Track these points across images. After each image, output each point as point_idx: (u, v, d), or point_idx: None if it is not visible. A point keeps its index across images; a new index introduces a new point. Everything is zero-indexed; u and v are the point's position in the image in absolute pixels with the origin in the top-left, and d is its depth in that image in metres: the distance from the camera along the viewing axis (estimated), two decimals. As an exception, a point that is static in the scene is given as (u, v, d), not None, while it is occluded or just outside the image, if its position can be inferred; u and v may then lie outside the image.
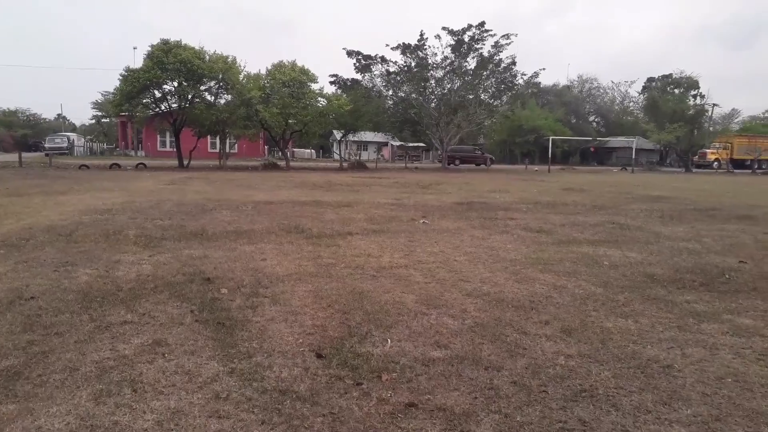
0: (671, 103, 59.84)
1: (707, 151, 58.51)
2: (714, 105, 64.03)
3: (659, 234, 10.00)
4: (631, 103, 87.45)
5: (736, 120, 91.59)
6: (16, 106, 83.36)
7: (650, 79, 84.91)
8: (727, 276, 6.57)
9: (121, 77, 33.02)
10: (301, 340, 4.11)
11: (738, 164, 57.36)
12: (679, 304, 5.39)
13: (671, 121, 55.07)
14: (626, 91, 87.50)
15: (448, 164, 49.55)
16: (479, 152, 53.79)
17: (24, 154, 33.96)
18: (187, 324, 4.42)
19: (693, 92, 74.08)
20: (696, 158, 58.16)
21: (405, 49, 43.41)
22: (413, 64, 43.99)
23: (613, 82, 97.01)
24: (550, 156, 48.41)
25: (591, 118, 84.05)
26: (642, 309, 5.21)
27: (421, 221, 10.90)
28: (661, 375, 3.68)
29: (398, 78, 45.11)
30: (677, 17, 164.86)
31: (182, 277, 5.91)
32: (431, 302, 5.21)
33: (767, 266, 7.23)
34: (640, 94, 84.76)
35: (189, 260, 6.76)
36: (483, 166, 50.70)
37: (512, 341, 4.26)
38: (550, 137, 50.54)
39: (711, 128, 63.44)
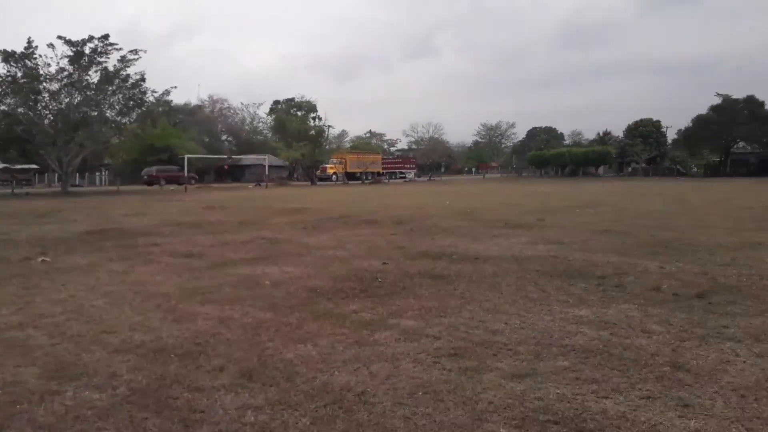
0: (296, 124, 65.09)
1: (327, 166, 65.57)
2: (329, 126, 72.31)
3: (308, 245, 10.14)
4: (260, 123, 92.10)
5: (346, 139, 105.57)
6: None
7: (276, 102, 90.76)
8: (379, 279, 6.82)
9: None
10: None
11: (351, 177, 65.74)
12: (349, 316, 5.24)
13: (297, 140, 59.80)
14: (255, 112, 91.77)
15: (151, 184, 46.80)
16: (182, 173, 51.22)
17: None
18: None
19: (313, 114, 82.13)
20: (318, 173, 64.48)
21: (8, 56, 36.40)
22: (19, 74, 37.19)
23: (242, 103, 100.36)
24: (186, 174, 47.04)
25: (224, 137, 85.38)
26: (317, 329, 4.86)
27: (40, 259, 8.76)
28: (359, 406, 3.28)
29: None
30: (294, 48, 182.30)
31: None
32: (64, 372, 3.85)
33: (404, 264, 7.85)
34: (268, 115, 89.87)
35: None
36: (186, 185, 47.93)
37: (184, 405, 3.33)
38: (185, 156, 49.04)
39: (328, 146, 71.52)
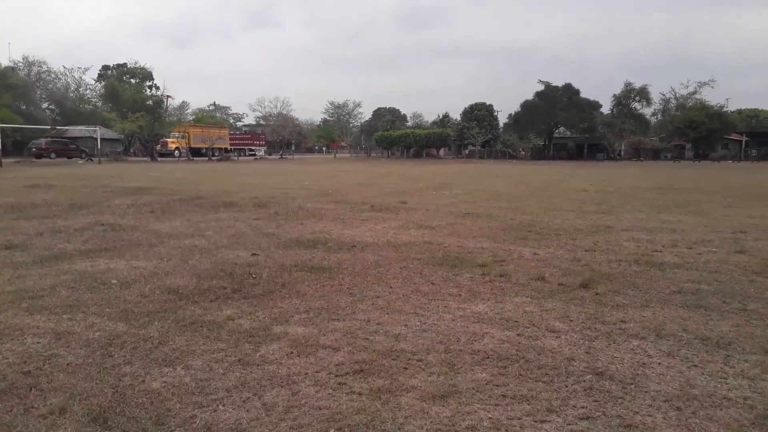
0: (130, 93, 59.71)
1: (168, 140, 61.01)
2: (168, 96, 67.45)
3: (159, 232, 8.94)
4: (88, 91, 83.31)
5: (187, 111, 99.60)
6: None
7: (105, 67, 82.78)
8: (253, 275, 6.03)
9: None
10: None
11: (196, 152, 61.93)
12: (224, 325, 4.44)
13: (132, 111, 54.91)
14: (81, 77, 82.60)
15: (40, 157, 46.36)
16: (74, 145, 53.29)
17: None
18: None
19: (149, 83, 76.24)
20: (159, 147, 59.86)
21: None
22: None
23: (65, 67, 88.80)
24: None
25: (45, 105, 75.71)
26: (186, 344, 4.02)
27: None
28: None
29: None
30: (123, 10, 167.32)
31: None
32: None
33: (277, 255, 7.12)
34: (96, 81, 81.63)
35: None
36: (79, 159, 47.75)
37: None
38: (-2, 125, 42.53)
39: (168, 119, 66.65)
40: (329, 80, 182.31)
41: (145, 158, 57.07)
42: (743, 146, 72.95)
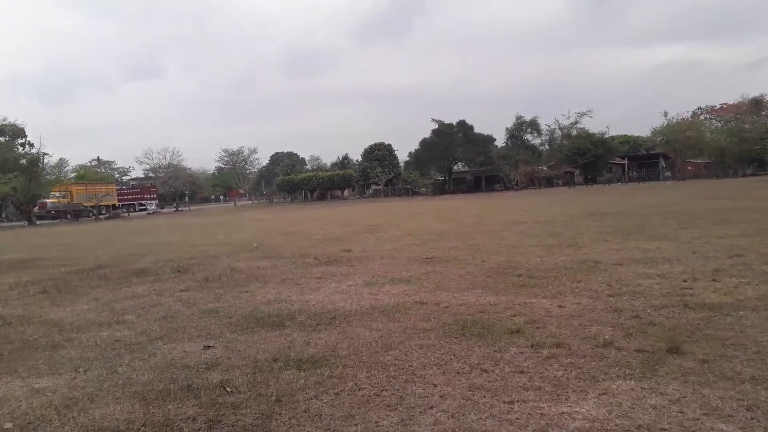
0: (2, 152, 53.90)
1: (48, 201, 55.43)
2: (45, 154, 61.67)
3: (61, 323, 6.74)
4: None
5: (67, 169, 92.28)
6: None
7: (-33, 126, 74.84)
8: (227, 389, 4.15)
9: None
10: None
11: (80, 213, 56.58)
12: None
13: (4, 171, 49.27)
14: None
15: None
16: None
17: None
18: None
19: (21, 140, 69.61)
20: (37, 210, 54.08)
21: None
22: None
23: None
24: None
25: None
26: None
27: None
28: None
29: None
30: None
31: None
32: None
33: (240, 344, 5.28)
34: (-43, 141, 73.46)
35: None
36: None
37: None
38: None
39: (46, 178, 60.78)
40: (221, 128, 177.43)
41: (20, 223, 51.15)
42: (626, 169, 77.99)
